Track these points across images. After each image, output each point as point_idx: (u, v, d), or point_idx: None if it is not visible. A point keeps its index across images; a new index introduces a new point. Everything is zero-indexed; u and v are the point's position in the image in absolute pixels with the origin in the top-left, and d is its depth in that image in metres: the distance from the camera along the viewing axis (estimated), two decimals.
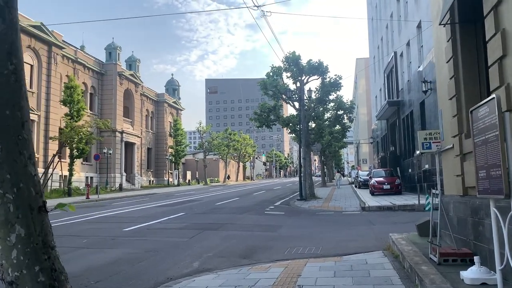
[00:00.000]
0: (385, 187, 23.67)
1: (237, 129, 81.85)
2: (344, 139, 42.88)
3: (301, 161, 24.06)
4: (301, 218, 15.70)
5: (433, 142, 7.61)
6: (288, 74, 24.42)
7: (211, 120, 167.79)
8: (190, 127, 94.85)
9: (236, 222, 13.96)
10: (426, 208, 17.10)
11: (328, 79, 24.60)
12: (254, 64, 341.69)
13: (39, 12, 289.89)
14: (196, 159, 66.67)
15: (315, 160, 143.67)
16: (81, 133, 32.57)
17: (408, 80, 25.26)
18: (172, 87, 68.12)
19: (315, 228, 12.42)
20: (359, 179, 34.69)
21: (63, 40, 39.67)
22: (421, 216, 10.39)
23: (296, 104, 24.40)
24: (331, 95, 24.97)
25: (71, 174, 35.15)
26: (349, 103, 24.90)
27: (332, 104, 24.76)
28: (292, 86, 25.30)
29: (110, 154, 44.21)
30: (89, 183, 42.87)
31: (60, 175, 36.32)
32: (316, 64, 23.79)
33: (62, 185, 35.59)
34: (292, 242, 9.63)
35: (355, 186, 36.83)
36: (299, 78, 24.31)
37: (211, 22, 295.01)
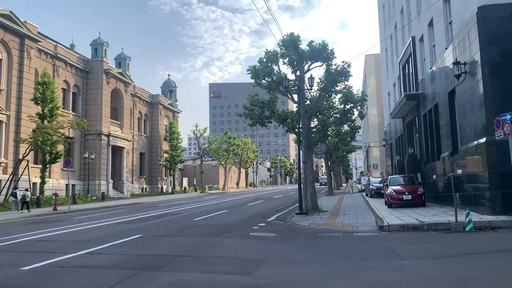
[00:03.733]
0: (405, 197, 19.14)
1: (241, 134, 77.30)
2: (352, 142, 38.38)
3: (301, 165, 19.61)
4: (297, 244, 11.28)
5: None
6: (286, 61, 20.06)
7: (215, 125, 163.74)
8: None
9: (199, 254, 9.58)
10: (467, 228, 12.66)
11: (334, 67, 20.19)
12: None
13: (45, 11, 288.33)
14: (194, 165, 62.36)
15: (322, 166, 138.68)
16: (48, 135, 28.36)
17: (431, 69, 20.82)
18: (169, 88, 64.07)
19: (314, 267, 7.98)
20: (371, 186, 30.12)
21: (39, 32, 35.68)
22: (469, 242, 5.96)
23: (296, 97, 20.03)
24: (337, 86, 20.56)
25: (43, 182, 31.01)
26: (360, 94, 20.43)
27: (339, 96, 20.33)
28: (292, 76, 20.99)
29: (92, 159, 40.05)
30: (70, 191, 38.77)
31: (33, 183, 32.19)
32: (319, 46, 19.42)
33: (32, 194, 31.36)
34: None
35: (366, 195, 32.26)
36: (299, 64, 19.96)
37: (216, 29, 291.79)
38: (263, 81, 20.09)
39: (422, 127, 23.12)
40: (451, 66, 16.43)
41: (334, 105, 22.81)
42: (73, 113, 41.29)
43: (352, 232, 13.26)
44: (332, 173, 54.82)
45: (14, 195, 25.28)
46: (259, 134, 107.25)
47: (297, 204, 19.27)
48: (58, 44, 39.76)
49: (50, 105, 31.07)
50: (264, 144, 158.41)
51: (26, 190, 26.38)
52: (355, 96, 20.22)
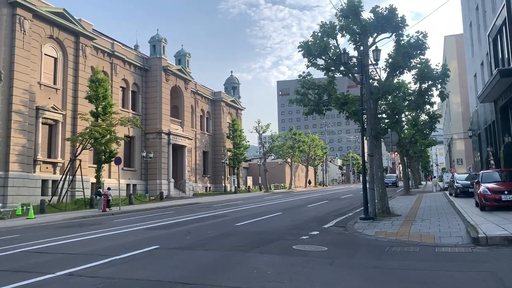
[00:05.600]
0: (504, 197, 14.81)
1: (309, 131, 73.55)
2: (432, 134, 33.51)
3: (366, 159, 16.06)
4: (353, 265, 8.01)
5: None
6: (345, 34, 16.59)
7: (283, 123, 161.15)
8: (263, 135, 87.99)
9: (209, 280, 6.77)
10: None
11: (406, 38, 16.38)
12: None
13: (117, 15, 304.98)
14: (258, 163, 60.02)
15: (399, 164, 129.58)
16: (98, 133, 27.27)
17: None
18: (232, 85, 62.32)
19: None
20: (456, 184, 25.41)
21: (94, 30, 35.22)
22: None
23: (358, 77, 16.50)
24: (410, 62, 16.68)
25: (98, 182, 30.17)
26: (440, 69, 16.33)
27: (413, 72, 16.42)
28: (353, 53, 17.49)
29: (151, 158, 39.08)
30: (125, 191, 38.10)
31: (92, 183, 31.61)
32: (386, 12, 15.74)
33: (90, 194, 30.65)
34: None
35: (450, 194, 27.52)
36: (362, 37, 16.42)
37: (284, 28, 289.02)
38: (318, 59, 16.78)
39: None
40: None
41: (407, 87, 18.82)
42: (133, 112, 40.69)
43: (434, 246, 9.70)
44: (409, 170, 49.63)
45: (98, 194, 25.91)
46: (329, 131, 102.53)
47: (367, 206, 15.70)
48: (115, 42, 39.27)
49: (103, 103, 30.16)
50: (335, 141, 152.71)
51: (108, 189, 26.44)
52: (434, 71, 16.19)
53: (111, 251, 9.71)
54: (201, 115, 53.91)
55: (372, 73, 17.04)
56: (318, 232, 12.47)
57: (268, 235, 11.96)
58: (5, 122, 26.35)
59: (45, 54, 30.11)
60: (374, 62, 15.92)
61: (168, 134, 42.88)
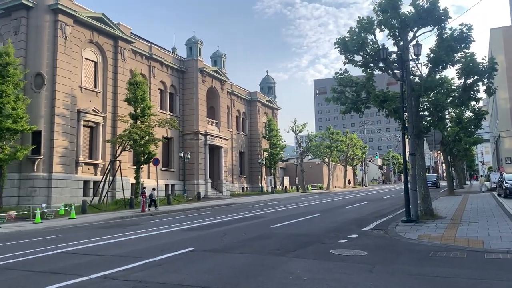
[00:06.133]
0: None
1: (347, 130, 72.12)
2: (478, 131, 31.92)
3: (407, 159, 15.35)
4: (395, 271, 7.55)
5: None
6: (384, 29, 15.95)
7: (320, 122, 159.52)
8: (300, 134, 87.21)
9: (241, 286, 6.53)
10: None
11: (449, 31, 15.53)
12: None
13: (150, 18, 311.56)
14: (295, 163, 59.46)
15: (442, 163, 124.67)
16: (137, 135, 27.72)
17: None
18: (267, 84, 62.07)
19: None
20: (506, 184, 24.04)
21: (132, 34, 35.92)
22: None
23: (398, 73, 15.81)
24: (454, 56, 15.80)
25: (137, 182, 30.73)
26: (487, 62, 15.36)
27: (457, 67, 15.54)
28: (392, 49, 16.81)
29: (188, 158, 39.46)
30: (169, 191, 38.73)
31: (132, 183, 32.23)
32: (428, 5, 14.98)
33: (130, 194, 31.23)
34: None
35: (499, 195, 26.09)
36: (401, 32, 15.73)
37: (321, 26, 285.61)
38: (355, 55, 16.23)
39: None
40: None
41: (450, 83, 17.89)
42: (171, 113, 41.23)
43: (483, 252, 9.07)
44: (453, 169, 47.62)
45: (143, 194, 26.30)
46: (368, 129, 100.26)
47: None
48: (153, 45, 39.93)
49: (142, 105, 30.68)
50: (375, 140, 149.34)
51: (153, 189, 27.16)
52: (480, 65, 15.26)
53: (146, 253, 9.68)
54: (237, 116, 54.01)
55: (413, 68, 16.34)
56: (357, 235, 12.00)
57: (304, 238, 11.62)
58: (48, 125, 27.26)
59: (85, 58, 30.97)
60: (414, 57, 15.21)
61: (205, 135, 43.18)
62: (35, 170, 26.49)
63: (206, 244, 11.10)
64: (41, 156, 26.64)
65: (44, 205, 22.98)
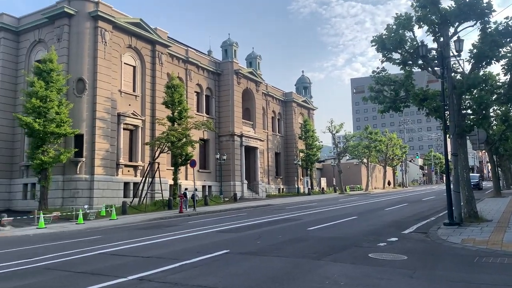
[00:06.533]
0: None
1: (386, 129, 70.52)
2: None
3: (449, 159, 14.75)
4: (437, 277, 7.22)
5: None
6: (423, 25, 15.43)
7: (358, 121, 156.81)
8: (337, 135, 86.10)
9: None
10: None
11: (493, 25, 14.81)
12: None
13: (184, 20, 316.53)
14: (332, 164, 58.66)
15: (487, 162, 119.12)
16: (174, 137, 28.18)
17: None
18: (303, 84, 61.63)
19: None
20: None
21: (169, 37, 36.56)
22: None
23: (438, 71, 15.22)
24: (499, 51, 15.05)
25: (175, 183, 31.28)
26: None
27: (502, 62, 14.79)
28: (432, 45, 16.24)
29: (224, 160, 39.75)
30: (206, 192, 39.14)
31: (169, 185, 32.81)
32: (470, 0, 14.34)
33: (169, 195, 31.78)
34: None
35: None
36: (441, 27, 15.13)
37: (357, 24, 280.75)
38: (393, 53, 15.78)
39: None
40: None
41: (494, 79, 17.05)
42: (207, 116, 41.70)
43: None
44: (499, 169, 45.49)
45: (184, 194, 27.66)
46: (408, 128, 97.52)
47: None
48: (189, 49, 40.51)
49: (179, 108, 31.21)
50: (415, 139, 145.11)
51: (196, 190, 28.34)
52: None
53: (182, 255, 9.76)
54: (272, 117, 53.93)
55: (454, 65, 15.67)
56: (396, 239, 11.63)
57: (342, 242, 11.38)
58: (90, 129, 28.17)
59: (124, 63, 31.79)
60: (456, 54, 14.64)
61: (241, 136, 43.38)
62: (78, 172, 27.43)
63: (242, 246, 11.08)
64: (83, 159, 27.56)
65: (86, 206, 23.77)
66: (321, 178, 61.25)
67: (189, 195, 28.36)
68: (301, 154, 54.13)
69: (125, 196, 29.54)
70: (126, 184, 30.52)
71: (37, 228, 18.46)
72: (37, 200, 25.17)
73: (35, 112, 23.95)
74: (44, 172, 24.55)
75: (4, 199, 29.13)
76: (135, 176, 31.43)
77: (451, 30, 15.39)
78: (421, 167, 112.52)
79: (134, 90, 32.49)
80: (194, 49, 42.23)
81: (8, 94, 30.44)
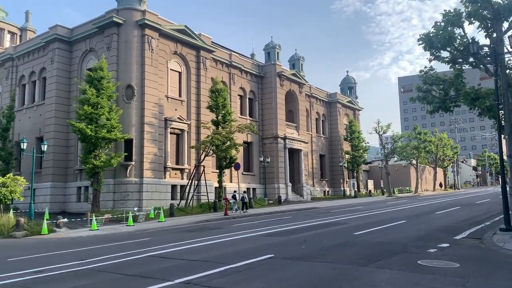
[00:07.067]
0: None
1: (436, 129, 68.05)
2: None
3: (505, 160, 13.98)
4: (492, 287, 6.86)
5: None
6: (473, 21, 14.76)
7: (406, 121, 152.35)
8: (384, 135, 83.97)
9: None
10: None
11: None
12: None
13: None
14: (379, 165, 57.25)
15: None
16: (219, 140, 28.57)
17: None
18: (348, 85, 60.65)
19: None
20: None
21: (213, 42, 37.16)
22: None
23: (491, 68, 14.50)
24: None
25: (220, 186, 31.70)
26: None
27: None
28: (484, 41, 15.52)
29: (268, 162, 39.81)
30: (251, 195, 39.33)
31: (215, 187, 33.29)
32: None
33: (214, 198, 32.24)
34: None
35: None
36: (494, 23, 14.42)
37: (403, 21, 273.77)
38: (442, 51, 15.21)
39: None
40: None
41: None
42: (250, 118, 41.97)
43: None
44: None
45: (233, 197, 28.72)
46: (459, 128, 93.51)
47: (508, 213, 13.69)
48: (232, 53, 40.99)
49: (223, 111, 31.65)
50: (467, 139, 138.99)
51: (244, 192, 29.13)
52: None
53: (227, 259, 9.85)
54: (316, 118, 53.43)
55: (508, 62, 14.91)
56: (448, 245, 11.17)
57: (389, 247, 11.06)
58: (139, 133, 29.14)
59: (170, 69, 32.64)
60: (511, 50, 13.86)
61: (284, 138, 43.28)
62: (128, 175, 28.41)
63: (286, 251, 11.03)
64: (133, 163, 28.51)
65: (136, 209, 24.57)
66: (368, 180, 59.98)
67: (238, 197, 28.85)
68: (347, 156, 53.25)
69: (172, 199, 30.26)
70: (173, 186, 31.27)
71: (90, 230, 19.27)
72: (90, 202, 26.33)
73: (87, 119, 25.08)
74: (96, 175, 25.64)
75: (60, 202, 30.66)
76: (182, 179, 32.14)
77: (505, 25, 14.69)
78: (475, 168, 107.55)
79: (180, 95, 33.27)
80: (237, 53, 42.67)
81: (62, 102, 32.05)
